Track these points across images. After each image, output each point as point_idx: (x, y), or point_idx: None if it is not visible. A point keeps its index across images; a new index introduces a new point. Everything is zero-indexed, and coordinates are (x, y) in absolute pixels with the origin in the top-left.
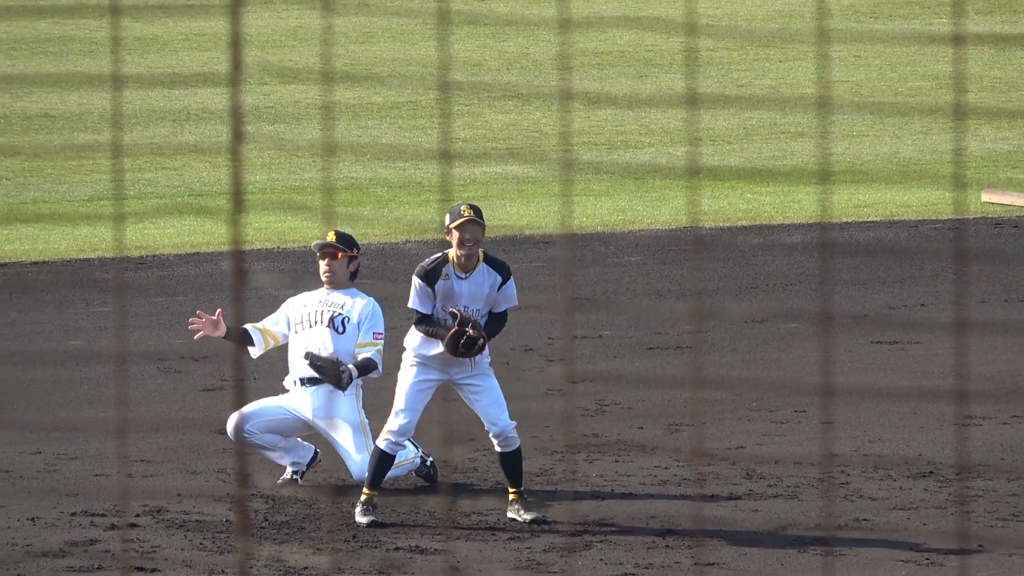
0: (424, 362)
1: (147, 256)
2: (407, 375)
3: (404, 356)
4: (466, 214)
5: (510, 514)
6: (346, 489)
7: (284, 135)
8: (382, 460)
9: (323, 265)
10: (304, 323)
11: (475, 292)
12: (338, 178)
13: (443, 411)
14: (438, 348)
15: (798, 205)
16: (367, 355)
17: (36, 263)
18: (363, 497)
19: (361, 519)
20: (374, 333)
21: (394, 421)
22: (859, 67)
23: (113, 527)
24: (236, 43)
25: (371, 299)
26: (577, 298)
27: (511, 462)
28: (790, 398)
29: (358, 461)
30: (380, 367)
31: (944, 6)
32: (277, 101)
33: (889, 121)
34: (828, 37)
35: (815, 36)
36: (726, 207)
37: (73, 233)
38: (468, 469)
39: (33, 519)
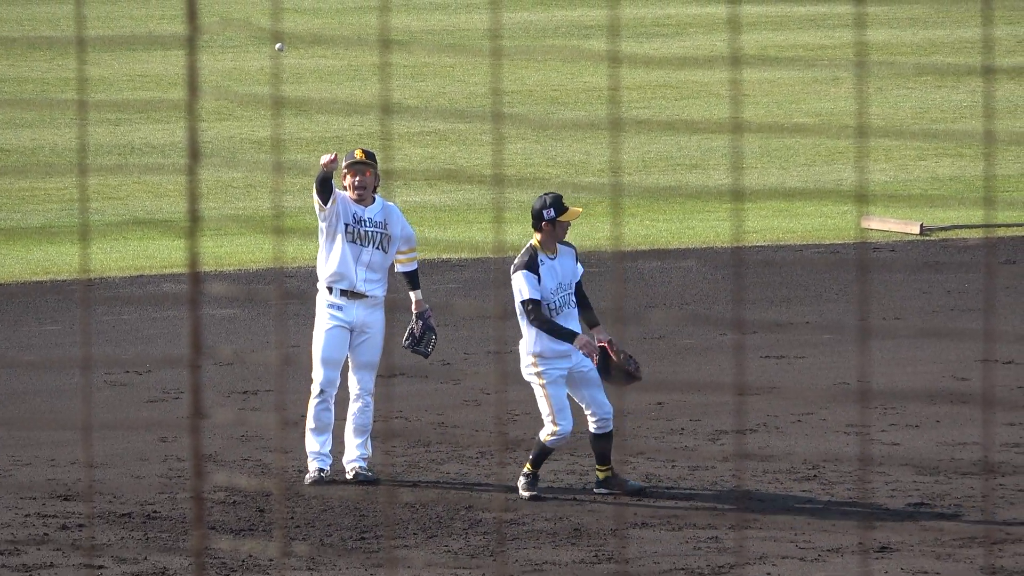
0: (550, 367)
1: (96, 279)
2: (544, 382)
3: (529, 367)
4: (570, 207)
5: (596, 489)
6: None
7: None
8: (544, 452)
9: (354, 181)
10: (355, 237)
11: (565, 267)
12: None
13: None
14: (558, 345)
15: (691, 231)
16: (412, 267)
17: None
18: (526, 470)
19: (525, 493)
20: (412, 239)
21: (552, 427)
22: None
23: (64, 527)
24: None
25: (392, 205)
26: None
27: (602, 442)
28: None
29: (359, 390)
30: (416, 264)
31: None
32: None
33: None
34: None
35: None
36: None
37: (26, 257)
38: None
39: None
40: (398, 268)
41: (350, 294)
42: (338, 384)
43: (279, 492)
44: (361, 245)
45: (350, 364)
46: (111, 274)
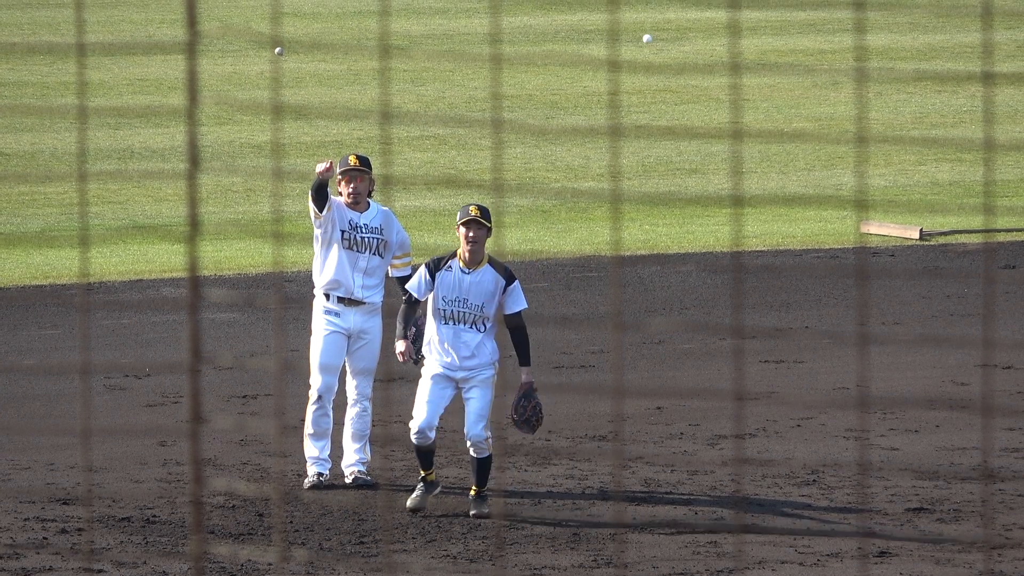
0: (430, 360)
1: (95, 283)
2: (426, 382)
3: (426, 363)
4: (473, 213)
5: (472, 511)
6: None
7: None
8: (419, 452)
9: (348, 188)
10: (351, 243)
11: (478, 287)
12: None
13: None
14: (446, 358)
15: (690, 237)
16: (407, 272)
17: None
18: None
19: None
20: (407, 245)
21: (416, 421)
22: None
23: (64, 531)
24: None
25: (387, 210)
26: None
27: (484, 467)
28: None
29: (357, 395)
30: (410, 268)
31: None
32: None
33: None
34: None
35: None
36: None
37: (26, 261)
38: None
39: None
40: (393, 273)
41: (347, 301)
42: (336, 390)
43: (278, 497)
44: (358, 251)
45: (347, 369)
46: (111, 278)
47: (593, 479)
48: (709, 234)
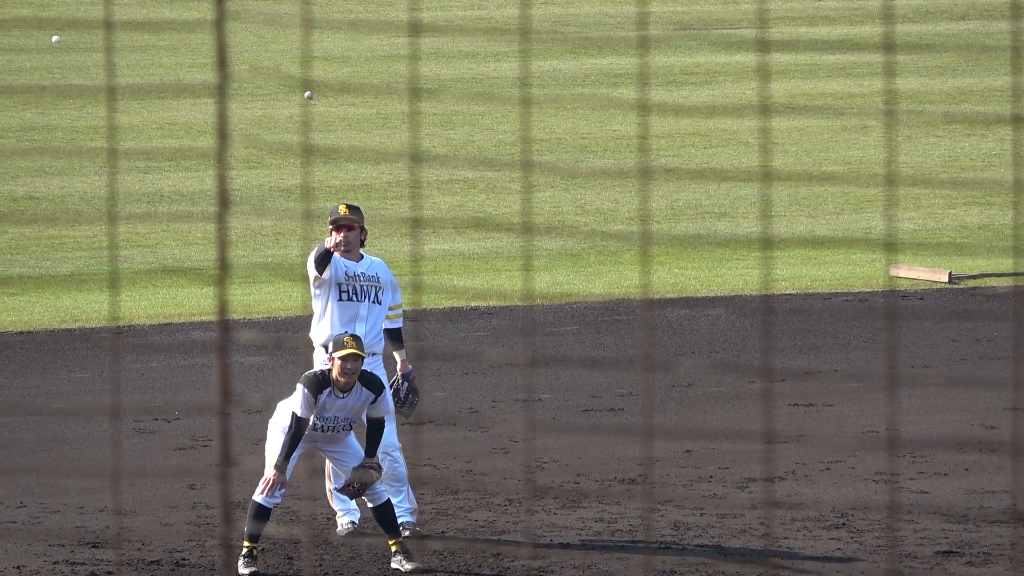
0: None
1: (125, 326)
2: (277, 439)
3: (275, 420)
4: (348, 345)
5: (393, 565)
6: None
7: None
8: (260, 513)
9: (337, 237)
10: (351, 293)
11: (351, 406)
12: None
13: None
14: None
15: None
16: (398, 324)
17: (21, 332)
18: (244, 549)
19: (243, 570)
20: (399, 296)
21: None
22: None
23: (93, 575)
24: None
25: (379, 260)
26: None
27: (383, 515)
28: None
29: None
30: (402, 321)
31: None
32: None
33: None
34: None
35: None
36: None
37: (56, 305)
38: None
39: (19, 567)
40: (386, 325)
41: None
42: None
43: (308, 540)
44: (357, 300)
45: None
46: (140, 322)
47: (622, 522)
48: (738, 277)
